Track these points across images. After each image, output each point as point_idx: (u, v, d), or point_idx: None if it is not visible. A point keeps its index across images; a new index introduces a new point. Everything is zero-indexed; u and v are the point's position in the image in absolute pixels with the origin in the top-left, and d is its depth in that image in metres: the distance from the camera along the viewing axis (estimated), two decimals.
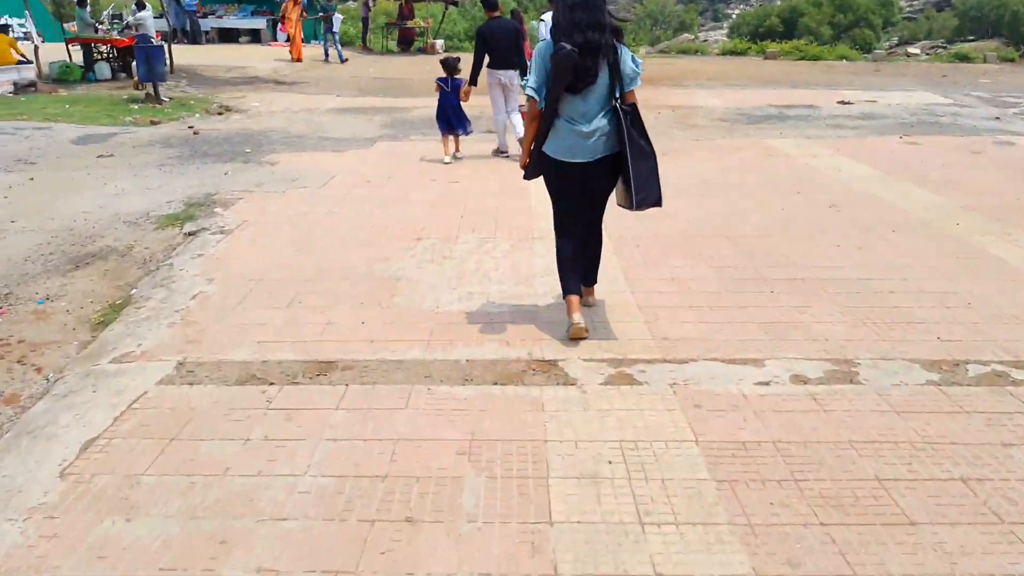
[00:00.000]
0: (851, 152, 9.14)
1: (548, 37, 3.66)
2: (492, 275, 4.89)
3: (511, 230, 5.85)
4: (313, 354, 3.71)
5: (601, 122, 3.69)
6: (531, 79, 3.72)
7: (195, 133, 10.34)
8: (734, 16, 60.27)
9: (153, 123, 11.10)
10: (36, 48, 14.25)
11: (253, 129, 10.86)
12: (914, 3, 62.92)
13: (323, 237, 5.66)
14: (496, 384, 3.45)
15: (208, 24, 23.57)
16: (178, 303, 4.39)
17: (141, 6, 15.45)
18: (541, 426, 3.10)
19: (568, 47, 3.50)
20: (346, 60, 20.73)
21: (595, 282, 4.31)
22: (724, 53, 25.02)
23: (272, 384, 3.40)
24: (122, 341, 3.89)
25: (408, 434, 3.02)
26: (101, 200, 6.80)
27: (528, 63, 5.87)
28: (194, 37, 23.21)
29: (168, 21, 22.88)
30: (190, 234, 5.79)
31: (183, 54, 19.61)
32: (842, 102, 13.63)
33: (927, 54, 27.10)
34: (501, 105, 8.68)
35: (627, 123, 3.66)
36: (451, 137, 8.72)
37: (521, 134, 8.32)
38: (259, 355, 3.69)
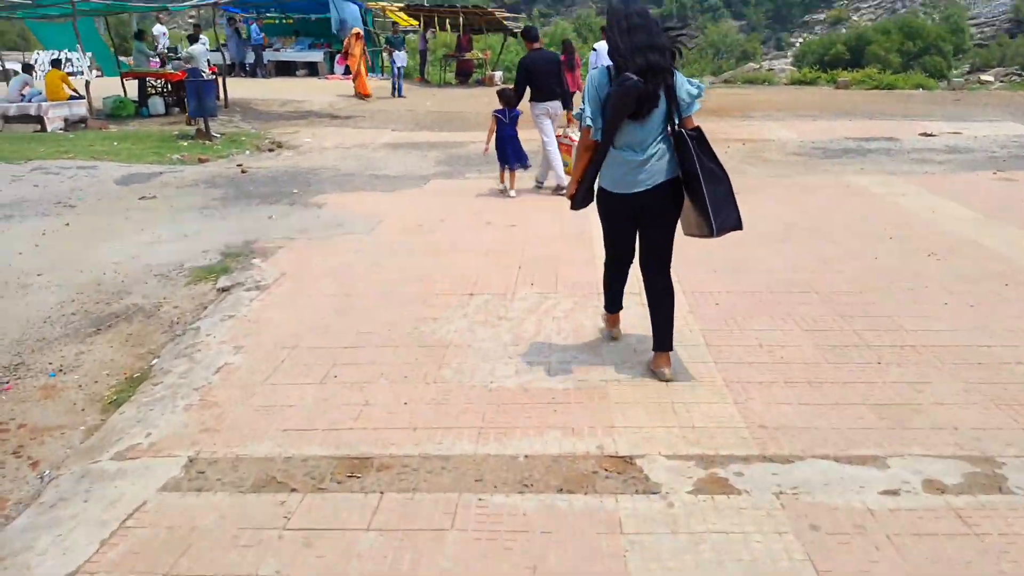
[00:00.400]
0: (942, 190, 8.38)
1: (602, 65, 3.57)
2: (553, 340, 4.33)
3: (574, 284, 5.30)
4: (345, 447, 3.19)
5: (657, 148, 3.57)
6: (585, 108, 3.62)
7: (243, 172, 10.11)
8: (797, 45, 59.31)
9: (201, 161, 10.93)
10: (87, 83, 14.32)
11: (303, 167, 10.59)
12: (985, 30, 61.06)
13: (366, 293, 5.20)
14: (561, 491, 2.88)
15: (266, 57, 23.80)
16: (199, 378, 3.94)
17: (194, 39, 15.49)
18: (620, 558, 2.50)
19: (634, 77, 3.37)
20: (404, 97, 20.36)
21: (671, 347, 3.85)
22: (792, 82, 24.27)
23: (294, 491, 2.88)
24: (130, 429, 3.44)
25: (453, 570, 2.46)
26: (135, 249, 6.48)
27: (573, 93, 5.46)
28: (257, 71, 23.41)
29: (229, 54, 23.26)
30: (223, 290, 5.39)
31: (240, 87, 19.77)
32: (924, 134, 12.81)
33: (1000, 81, 25.89)
34: (552, 134, 8.50)
35: (696, 148, 3.51)
36: (507, 170, 8.49)
37: (561, 176, 8.31)
38: (283, 448, 3.19)
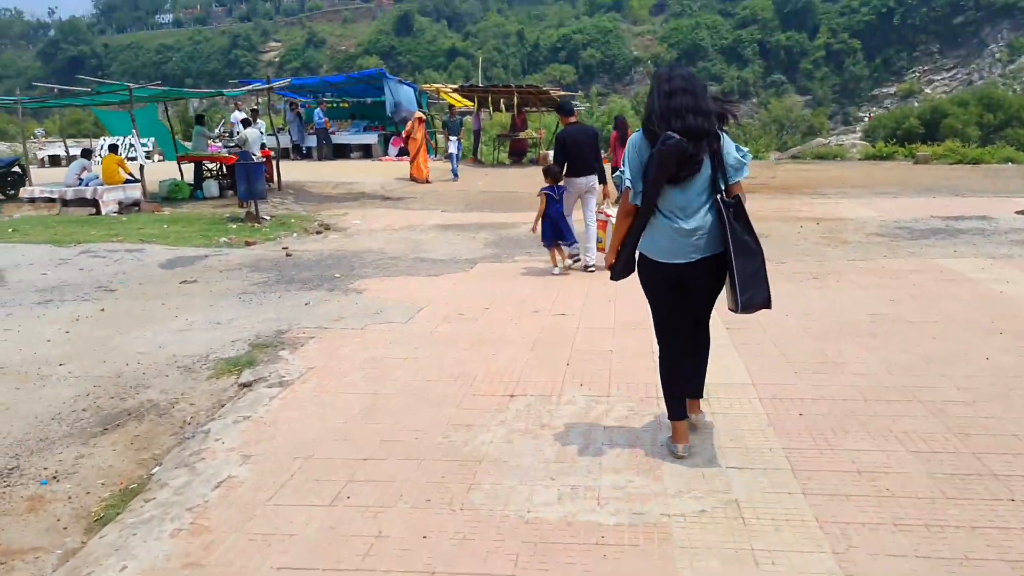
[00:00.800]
0: None
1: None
2: (605, 456, 3.77)
3: (629, 385, 4.75)
4: None
5: (705, 218, 3.46)
6: (625, 171, 3.54)
7: (288, 255, 9.95)
8: (866, 119, 58.57)
9: (248, 244, 10.85)
10: (142, 167, 14.67)
11: (348, 250, 10.40)
12: None
13: (396, 392, 4.74)
14: None
15: (302, 141, 24.40)
16: (196, 496, 3.49)
17: (247, 123, 15.83)
18: None
19: (676, 136, 3.31)
20: (457, 179, 20.06)
21: (702, 395, 3.97)
22: (866, 157, 23.54)
23: None
24: (106, 559, 3.00)
25: None
26: (164, 337, 6.22)
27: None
28: (320, 153, 23.84)
29: (290, 137, 23.88)
30: (245, 385, 5.01)
31: (295, 170, 20.15)
32: (1022, 212, 11.97)
33: None
34: (592, 209, 8.53)
35: (730, 217, 3.40)
36: (556, 249, 8.39)
37: (592, 244, 8.38)
38: None
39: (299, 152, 24.29)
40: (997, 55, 68.73)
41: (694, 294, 3.64)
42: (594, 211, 8.52)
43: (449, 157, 20.11)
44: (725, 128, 3.53)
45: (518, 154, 24.95)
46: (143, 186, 14.38)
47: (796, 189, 16.07)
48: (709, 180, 3.44)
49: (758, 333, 5.84)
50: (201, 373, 5.36)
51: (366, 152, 24.51)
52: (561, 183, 8.26)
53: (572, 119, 8.54)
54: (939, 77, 70.55)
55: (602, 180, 8.48)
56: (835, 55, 73.22)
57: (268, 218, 13.07)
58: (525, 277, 8.41)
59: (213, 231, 11.89)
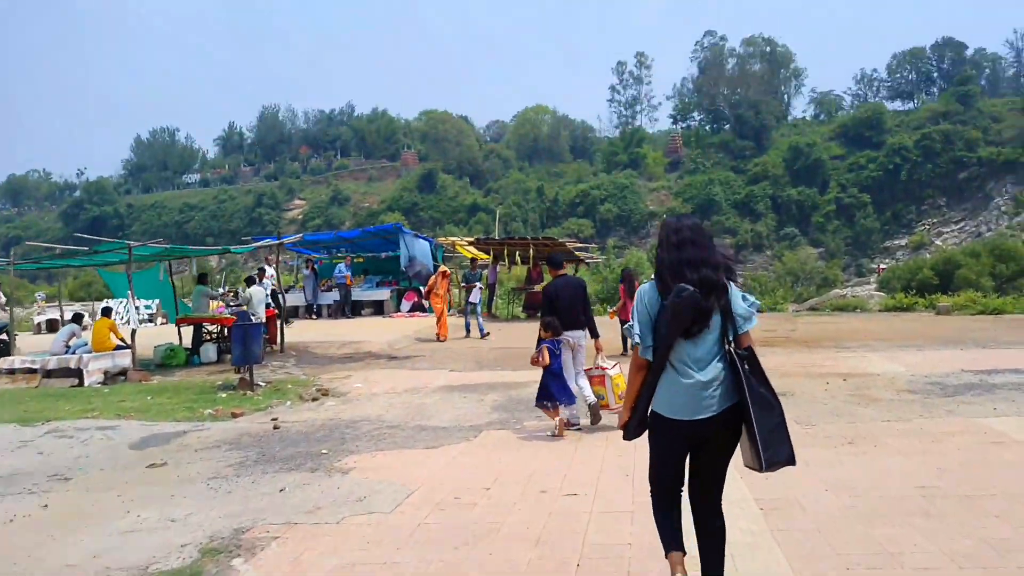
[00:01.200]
0: None
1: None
2: None
3: None
4: None
5: (717, 370, 3.38)
6: (635, 325, 3.49)
7: (275, 428, 9.23)
8: (879, 270, 59.07)
9: (234, 415, 10.16)
10: (133, 332, 14.17)
11: (343, 419, 9.68)
12: None
13: None
14: None
15: (331, 298, 24.03)
16: None
17: (250, 281, 15.54)
18: None
19: (690, 288, 3.30)
20: (487, 334, 18.59)
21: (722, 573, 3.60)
22: (886, 309, 23.02)
23: None
24: None
25: None
26: (104, 542, 5.34)
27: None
28: (345, 309, 23.41)
29: (304, 295, 23.60)
30: None
31: (305, 330, 19.76)
32: None
33: None
34: (570, 369, 8.23)
35: (745, 370, 3.33)
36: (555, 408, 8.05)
37: (591, 398, 8.07)
38: None
39: (311, 311, 23.98)
40: (1003, 208, 70.04)
41: (712, 453, 3.51)
42: (583, 367, 8.31)
43: (468, 312, 19.39)
44: (733, 280, 3.48)
45: (533, 307, 24.59)
46: (133, 353, 13.83)
47: (818, 343, 15.41)
48: (720, 332, 3.40)
49: (797, 514, 5.07)
50: None
51: (378, 308, 24.16)
52: (560, 337, 8.10)
53: (561, 272, 8.52)
54: (948, 229, 71.50)
55: (593, 334, 8.29)
56: (845, 209, 74.77)
57: (263, 384, 12.46)
58: (533, 446, 7.67)
59: (200, 402, 11.25)
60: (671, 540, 3.63)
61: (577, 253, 26.51)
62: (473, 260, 21.62)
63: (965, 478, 5.76)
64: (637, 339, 3.46)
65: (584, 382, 8.17)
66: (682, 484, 3.66)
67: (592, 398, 8.14)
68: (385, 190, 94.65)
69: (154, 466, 7.56)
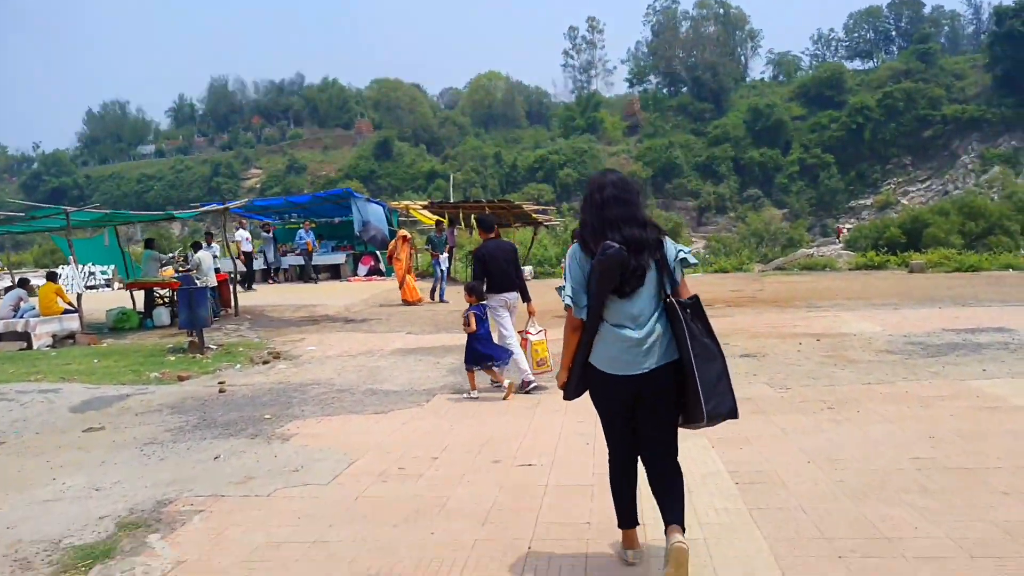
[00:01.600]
0: None
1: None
2: None
3: None
4: None
5: (655, 326, 3.28)
6: (566, 286, 3.37)
7: (221, 392, 8.66)
8: (845, 230, 59.29)
9: (181, 379, 9.56)
10: (79, 295, 13.49)
11: (292, 382, 9.11)
12: None
13: None
14: None
15: (287, 262, 23.32)
16: None
17: (197, 247, 14.81)
18: None
19: (616, 245, 3.19)
20: (447, 302, 18.17)
21: (682, 518, 3.38)
22: (857, 267, 22.74)
23: None
24: None
25: None
26: (22, 511, 4.86)
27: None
28: (308, 274, 22.65)
29: (264, 260, 22.78)
30: None
31: (259, 294, 19.10)
32: None
33: None
34: (511, 327, 8.11)
35: (687, 318, 3.23)
36: (489, 371, 7.89)
37: (522, 362, 7.98)
38: None
39: (270, 276, 23.15)
40: (970, 166, 70.41)
41: (653, 410, 3.37)
42: (512, 329, 8.10)
43: (440, 278, 18.79)
44: (666, 234, 3.38)
45: None
46: (80, 316, 13.14)
47: (788, 302, 15.08)
48: (656, 287, 3.30)
49: (777, 491, 4.61)
50: (39, 571, 3.98)
51: (334, 273, 23.50)
52: (484, 301, 7.96)
53: (491, 234, 8.27)
54: (914, 188, 71.85)
55: (525, 298, 8.11)
56: (809, 169, 74.81)
57: (214, 347, 11.83)
58: (489, 411, 7.19)
59: (148, 365, 10.61)
60: (624, 515, 3.58)
61: (536, 216, 25.93)
62: (438, 223, 20.89)
63: (963, 449, 5.26)
64: (567, 300, 3.34)
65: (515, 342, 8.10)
66: (636, 452, 3.53)
67: (527, 368, 8.02)
68: (341, 158, 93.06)
69: (91, 430, 7.00)
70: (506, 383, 7.77)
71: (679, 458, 3.52)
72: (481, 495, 4.74)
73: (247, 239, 20.86)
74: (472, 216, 23.11)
